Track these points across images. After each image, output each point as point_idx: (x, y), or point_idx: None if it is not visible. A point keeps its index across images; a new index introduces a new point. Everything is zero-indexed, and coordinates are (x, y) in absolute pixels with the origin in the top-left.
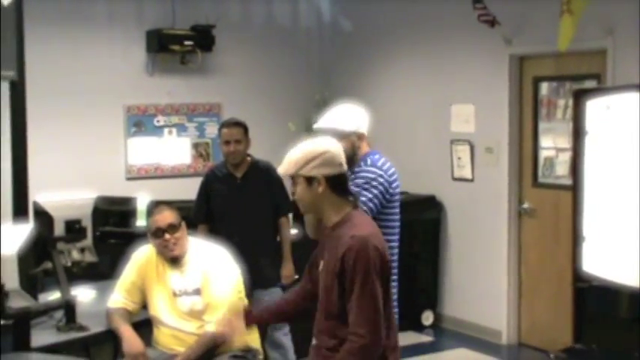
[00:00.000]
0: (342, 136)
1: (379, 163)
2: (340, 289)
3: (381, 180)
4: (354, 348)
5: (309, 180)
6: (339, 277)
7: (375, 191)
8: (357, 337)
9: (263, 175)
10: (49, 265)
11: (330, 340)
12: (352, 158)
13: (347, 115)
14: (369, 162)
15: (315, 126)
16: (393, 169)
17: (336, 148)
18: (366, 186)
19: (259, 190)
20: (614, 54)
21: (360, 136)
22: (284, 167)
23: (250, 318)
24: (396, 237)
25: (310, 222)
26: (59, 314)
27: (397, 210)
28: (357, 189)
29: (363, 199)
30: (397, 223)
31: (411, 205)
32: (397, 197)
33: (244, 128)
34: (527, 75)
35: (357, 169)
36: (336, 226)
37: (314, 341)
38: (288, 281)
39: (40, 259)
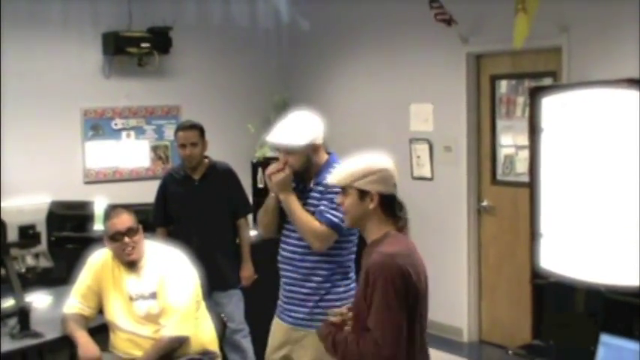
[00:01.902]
0: (295, 151)
1: None
2: (365, 304)
3: None
4: (367, 344)
5: (362, 194)
6: (364, 292)
7: None
8: (374, 341)
9: (221, 176)
10: (1, 271)
11: None
12: (307, 170)
13: (301, 129)
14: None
15: (268, 138)
16: None
17: (394, 169)
18: None
19: (217, 191)
20: (569, 51)
21: (315, 148)
22: (338, 177)
23: None
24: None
25: (263, 222)
26: (13, 321)
27: None
28: (332, 205)
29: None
30: None
31: None
32: None
33: (200, 130)
34: (484, 73)
35: (322, 180)
36: (373, 244)
37: None
38: (247, 283)
39: None
